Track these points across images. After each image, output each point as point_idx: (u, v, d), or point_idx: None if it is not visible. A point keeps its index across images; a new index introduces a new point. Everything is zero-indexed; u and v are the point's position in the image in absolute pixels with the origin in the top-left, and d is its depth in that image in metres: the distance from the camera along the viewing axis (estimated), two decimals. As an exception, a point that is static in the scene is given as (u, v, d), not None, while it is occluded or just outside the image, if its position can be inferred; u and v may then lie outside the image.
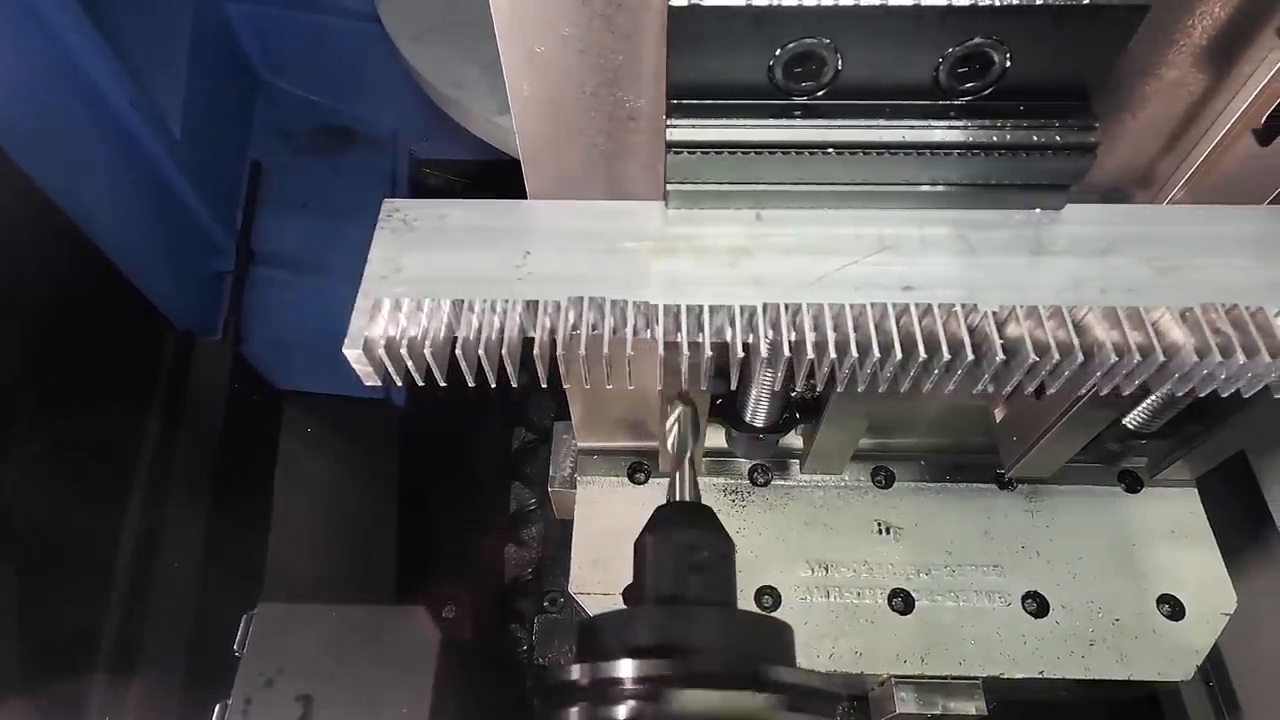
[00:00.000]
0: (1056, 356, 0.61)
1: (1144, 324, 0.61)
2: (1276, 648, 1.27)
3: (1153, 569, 1.15)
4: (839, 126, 0.64)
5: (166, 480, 1.56)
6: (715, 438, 1.14)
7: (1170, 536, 1.18)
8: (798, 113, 0.63)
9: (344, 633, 1.21)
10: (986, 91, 0.62)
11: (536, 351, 0.62)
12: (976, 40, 0.59)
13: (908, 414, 1.18)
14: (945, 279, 0.65)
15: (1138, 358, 0.60)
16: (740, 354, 0.62)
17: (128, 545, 1.47)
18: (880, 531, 1.19)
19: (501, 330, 0.63)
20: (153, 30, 1.68)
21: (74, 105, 1.45)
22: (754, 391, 1.01)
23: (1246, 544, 1.28)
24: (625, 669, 0.61)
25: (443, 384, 0.65)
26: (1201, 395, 0.63)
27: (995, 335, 0.61)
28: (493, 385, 0.65)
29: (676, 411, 0.90)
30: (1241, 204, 0.74)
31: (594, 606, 1.15)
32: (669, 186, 0.68)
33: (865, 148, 0.64)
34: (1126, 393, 0.63)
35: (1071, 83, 0.62)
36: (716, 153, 0.64)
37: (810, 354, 0.61)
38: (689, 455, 0.85)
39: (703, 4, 0.56)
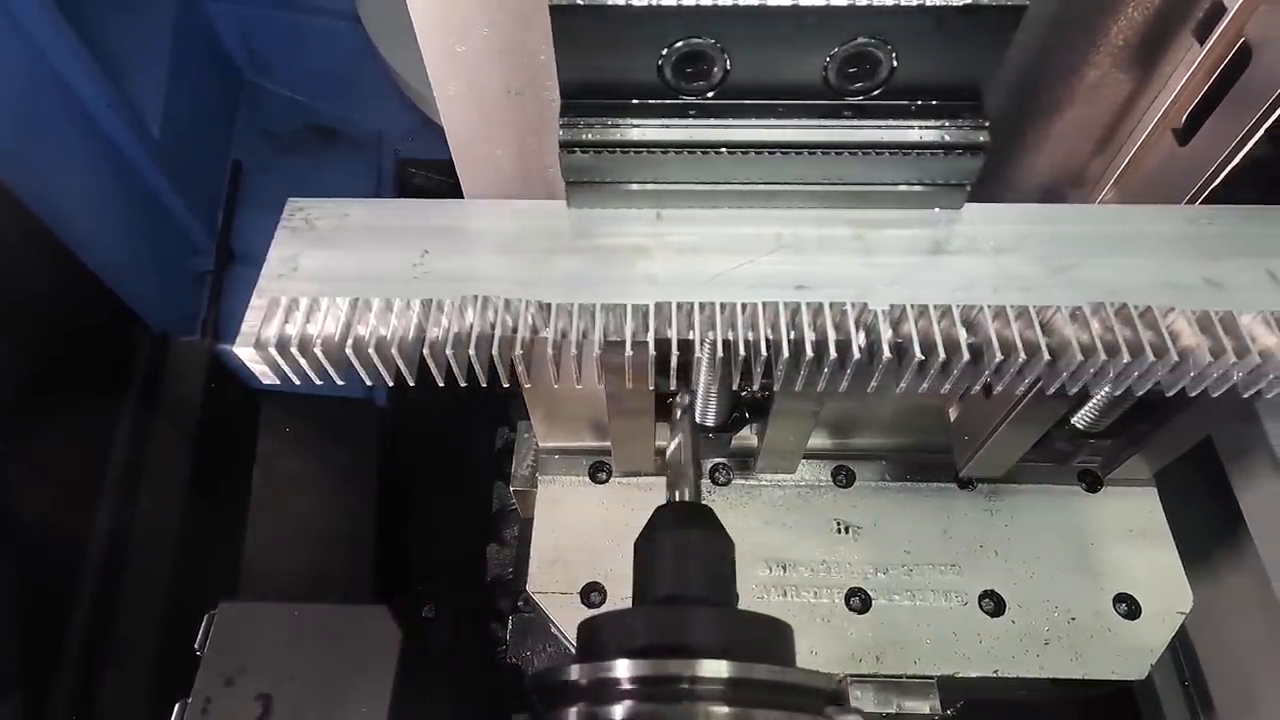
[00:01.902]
0: (943, 355, 0.61)
1: (1033, 323, 0.61)
2: (1250, 646, 1.27)
3: (1110, 568, 1.15)
4: (733, 126, 0.64)
5: (141, 481, 1.57)
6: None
7: (1128, 536, 1.17)
8: (692, 112, 0.64)
9: (305, 632, 1.22)
10: (876, 91, 0.62)
11: (427, 350, 0.62)
12: (860, 40, 0.59)
13: (865, 414, 1.18)
14: (839, 278, 0.65)
15: (1023, 356, 0.60)
16: (630, 353, 0.62)
17: (100, 544, 1.48)
18: (839, 531, 1.19)
19: (395, 329, 0.63)
20: (132, 31, 1.70)
21: (48, 106, 1.46)
22: (701, 391, 1.01)
23: (1219, 543, 1.28)
24: (623, 669, 0.62)
25: (340, 383, 0.65)
26: (1092, 393, 0.63)
27: (884, 334, 0.61)
28: (390, 384, 0.65)
29: (678, 413, 0.90)
30: (1165, 203, 0.75)
31: (551, 606, 1.15)
32: (568, 186, 0.68)
33: (759, 147, 0.64)
34: (1020, 391, 0.63)
35: (961, 82, 0.62)
36: (610, 152, 0.64)
37: (699, 353, 0.61)
38: (690, 455, 0.85)
39: (580, 3, 0.57)
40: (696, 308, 0.62)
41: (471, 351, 0.61)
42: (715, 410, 1.04)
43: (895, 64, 0.60)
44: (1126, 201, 0.83)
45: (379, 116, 2.10)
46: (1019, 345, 0.61)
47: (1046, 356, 0.60)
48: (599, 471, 1.24)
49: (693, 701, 0.61)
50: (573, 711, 0.63)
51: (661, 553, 0.76)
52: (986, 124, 0.63)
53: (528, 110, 0.74)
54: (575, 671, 0.65)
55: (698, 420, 1.06)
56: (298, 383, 0.65)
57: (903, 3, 0.56)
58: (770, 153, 0.64)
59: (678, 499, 0.84)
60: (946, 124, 0.63)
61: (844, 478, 1.23)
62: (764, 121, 0.64)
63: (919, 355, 0.61)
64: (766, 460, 1.14)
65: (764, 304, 0.62)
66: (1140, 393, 0.63)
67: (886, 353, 0.61)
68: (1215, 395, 0.63)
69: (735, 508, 1.20)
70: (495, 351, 0.62)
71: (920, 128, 0.63)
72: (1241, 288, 0.63)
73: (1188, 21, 0.73)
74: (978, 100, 0.63)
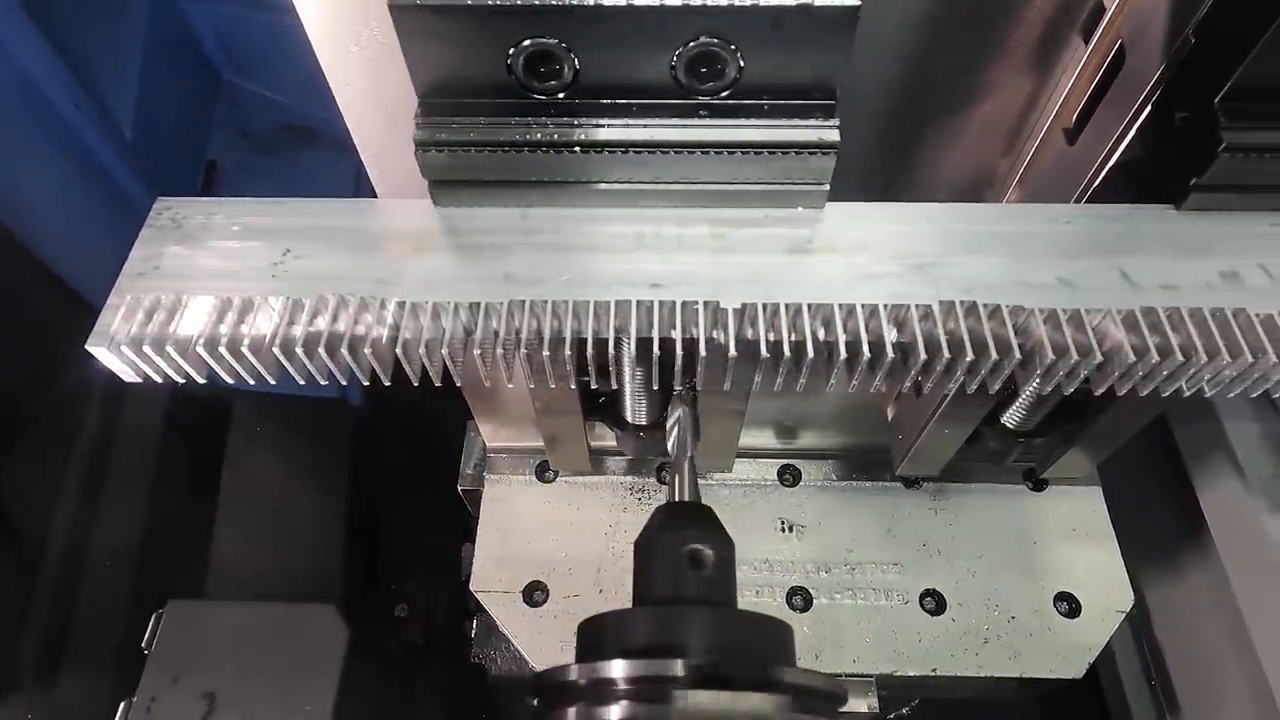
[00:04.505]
0: (788, 353, 0.61)
1: (883, 321, 0.61)
2: (1214, 645, 1.26)
3: (1052, 567, 1.15)
4: (588, 125, 0.64)
5: (106, 482, 1.57)
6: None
7: (1071, 535, 1.17)
8: (551, 110, 0.64)
9: (253, 630, 1.22)
10: (727, 91, 0.62)
11: (279, 349, 0.62)
12: (703, 41, 0.59)
13: (810, 413, 1.18)
14: (695, 277, 0.65)
15: (867, 355, 0.60)
16: (477, 351, 0.62)
17: (63, 544, 1.49)
18: (783, 530, 1.19)
19: (253, 328, 0.63)
20: (103, 31, 1.69)
21: (13, 106, 1.46)
22: (628, 389, 1.01)
23: (1183, 543, 1.27)
24: (621, 669, 0.62)
25: (201, 381, 0.65)
26: (991, 389, 0.63)
27: (733, 332, 0.61)
28: (251, 383, 0.65)
29: (677, 413, 0.90)
30: (1058, 202, 0.74)
31: (494, 605, 1.15)
32: (430, 185, 0.68)
33: (614, 146, 0.64)
34: (872, 389, 0.63)
35: (810, 82, 0.61)
36: (465, 151, 0.64)
37: (546, 351, 0.61)
38: (689, 455, 0.85)
39: (419, 3, 0.57)
40: (549, 306, 0.63)
41: (322, 350, 0.61)
42: (645, 409, 1.04)
43: (742, 64, 0.60)
44: (1026, 201, 0.83)
45: (358, 117, 2.09)
46: (865, 343, 0.60)
47: (891, 354, 0.60)
48: (546, 471, 1.24)
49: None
50: (572, 712, 0.64)
51: (660, 552, 0.76)
52: (837, 124, 0.63)
53: (430, 109, 0.74)
54: (574, 672, 0.65)
55: (629, 420, 1.06)
56: (159, 380, 0.65)
57: (737, 3, 0.56)
58: (626, 152, 0.64)
59: (677, 498, 0.84)
60: (798, 123, 0.63)
61: (790, 477, 1.23)
62: (619, 121, 0.64)
63: (765, 353, 0.61)
64: (701, 458, 1.14)
65: (616, 302, 0.62)
66: (993, 390, 0.63)
67: (733, 350, 0.61)
68: (1068, 392, 0.63)
69: (680, 506, 1.20)
70: (346, 350, 0.62)
71: (772, 127, 0.63)
72: (1093, 287, 0.63)
73: (1076, 22, 0.72)
74: (830, 99, 0.63)
